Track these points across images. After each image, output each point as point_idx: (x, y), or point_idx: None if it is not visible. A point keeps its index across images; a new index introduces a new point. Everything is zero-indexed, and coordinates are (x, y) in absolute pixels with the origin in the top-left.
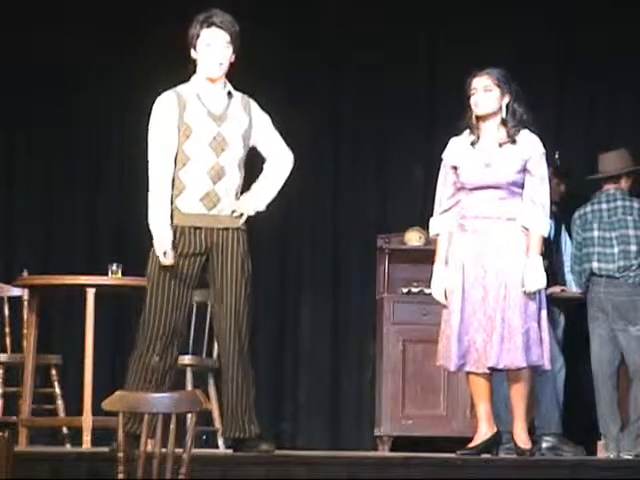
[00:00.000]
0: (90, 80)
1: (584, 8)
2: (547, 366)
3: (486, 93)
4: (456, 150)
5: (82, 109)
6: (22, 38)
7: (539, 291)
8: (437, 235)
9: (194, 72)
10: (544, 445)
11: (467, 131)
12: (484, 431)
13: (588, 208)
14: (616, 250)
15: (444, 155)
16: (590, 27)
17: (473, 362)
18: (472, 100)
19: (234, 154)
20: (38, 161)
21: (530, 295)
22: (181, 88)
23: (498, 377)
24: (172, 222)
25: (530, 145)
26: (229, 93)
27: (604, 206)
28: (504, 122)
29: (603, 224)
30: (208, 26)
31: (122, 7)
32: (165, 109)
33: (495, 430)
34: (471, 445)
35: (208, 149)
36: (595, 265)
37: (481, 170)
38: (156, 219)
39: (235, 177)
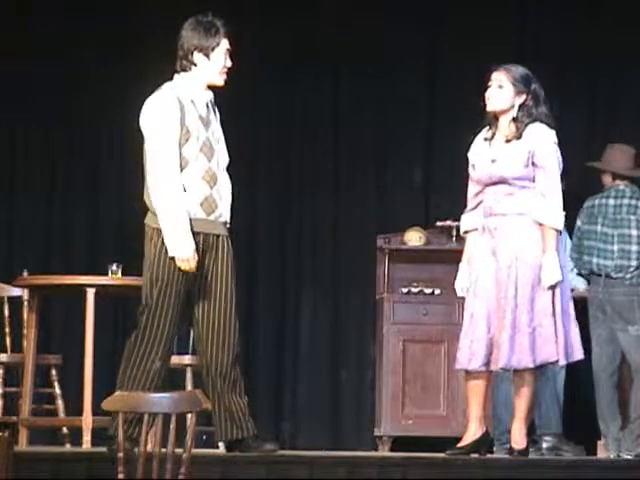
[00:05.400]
0: (90, 80)
1: (585, 6)
2: (562, 361)
3: (499, 89)
4: (474, 147)
5: (82, 109)
6: (22, 38)
7: (556, 286)
8: (464, 233)
9: (182, 71)
10: (544, 445)
11: (487, 127)
12: (473, 431)
13: (596, 201)
14: (615, 248)
15: (468, 153)
16: (592, 26)
17: (494, 361)
18: (486, 94)
19: (220, 159)
20: (38, 161)
21: (539, 292)
22: (177, 90)
23: (498, 377)
24: None
25: (535, 137)
26: (211, 99)
27: (611, 202)
28: (516, 120)
29: (607, 220)
30: (225, 36)
31: (123, 6)
32: (170, 110)
33: (484, 430)
34: (460, 445)
35: (201, 154)
36: (594, 260)
37: (488, 166)
38: (180, 222)
39: (226, 181)
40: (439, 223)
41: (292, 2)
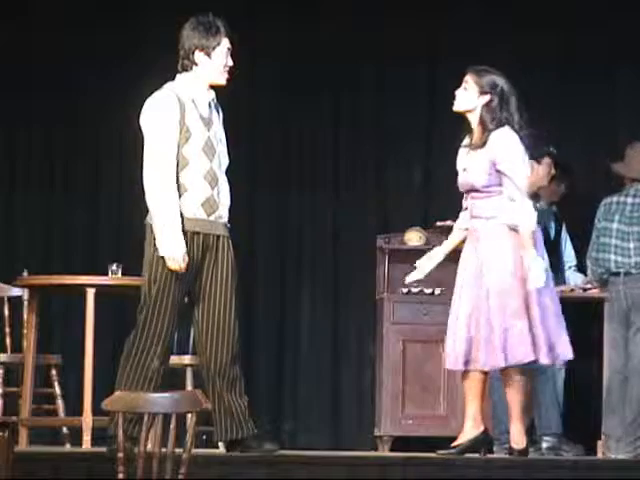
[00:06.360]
0: (90, 80)
1: (584, 8)
2: (543, 361)
3: (463, 91)
4: (459, 153)
5: (82, 109)
6: (22, 38)
7: (536, 287)
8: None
9: (184, 71)
10: (544, 445)
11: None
12: (468, 430)
13: (614, 198)
14: (632, 245)
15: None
16: (591, 27)
17: (473, 361)
18: None
19: (221, 159)
20: (38, 161)
21: (511, 296)
22: (177, 90)
23: (496, 376)
24: None
25: (495, 145)
26: (214, 99)
27: (629, 200)
28: (482, 123)
29: (624, 217)
30: (226, 35)
31: (123, 6)
32: (169, 109)
33: (482, 429)
34: (454, 444)
35: (202, 153)
36: (612, 258)
37: (461, 174)
38: (170, 222)
39: (225, 183)
40: (439, 223)
41: (293, 1)
